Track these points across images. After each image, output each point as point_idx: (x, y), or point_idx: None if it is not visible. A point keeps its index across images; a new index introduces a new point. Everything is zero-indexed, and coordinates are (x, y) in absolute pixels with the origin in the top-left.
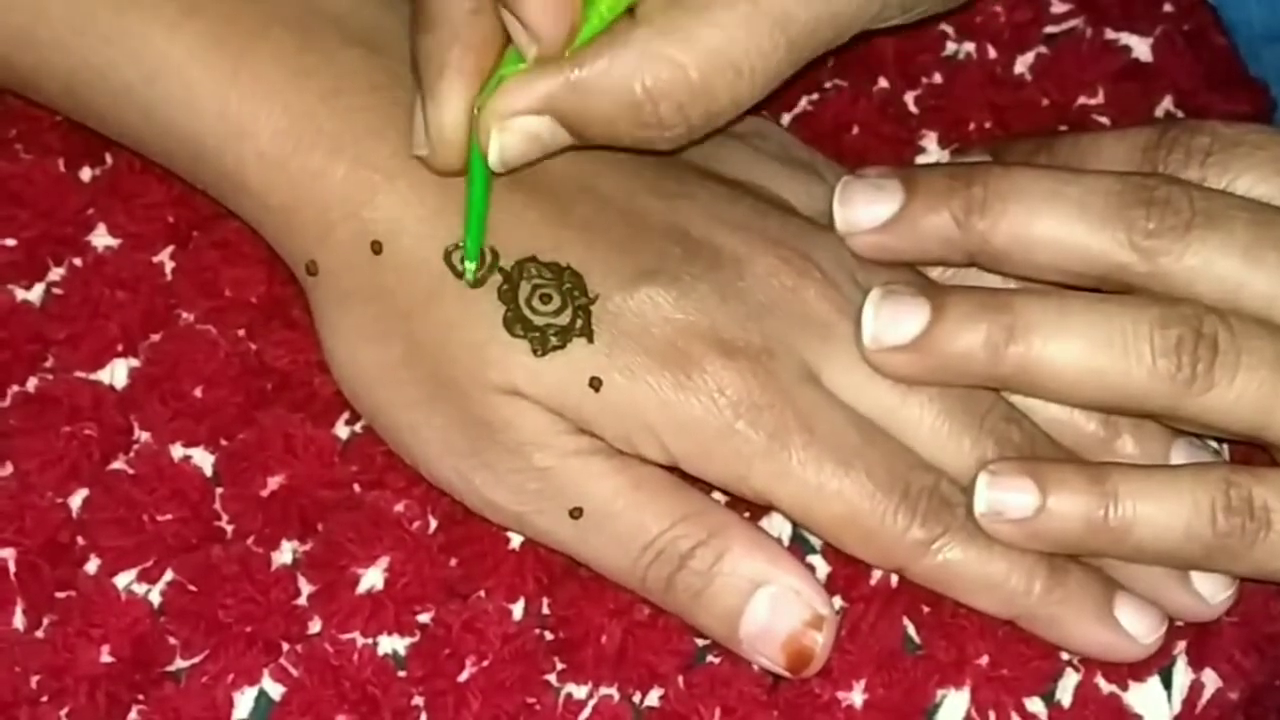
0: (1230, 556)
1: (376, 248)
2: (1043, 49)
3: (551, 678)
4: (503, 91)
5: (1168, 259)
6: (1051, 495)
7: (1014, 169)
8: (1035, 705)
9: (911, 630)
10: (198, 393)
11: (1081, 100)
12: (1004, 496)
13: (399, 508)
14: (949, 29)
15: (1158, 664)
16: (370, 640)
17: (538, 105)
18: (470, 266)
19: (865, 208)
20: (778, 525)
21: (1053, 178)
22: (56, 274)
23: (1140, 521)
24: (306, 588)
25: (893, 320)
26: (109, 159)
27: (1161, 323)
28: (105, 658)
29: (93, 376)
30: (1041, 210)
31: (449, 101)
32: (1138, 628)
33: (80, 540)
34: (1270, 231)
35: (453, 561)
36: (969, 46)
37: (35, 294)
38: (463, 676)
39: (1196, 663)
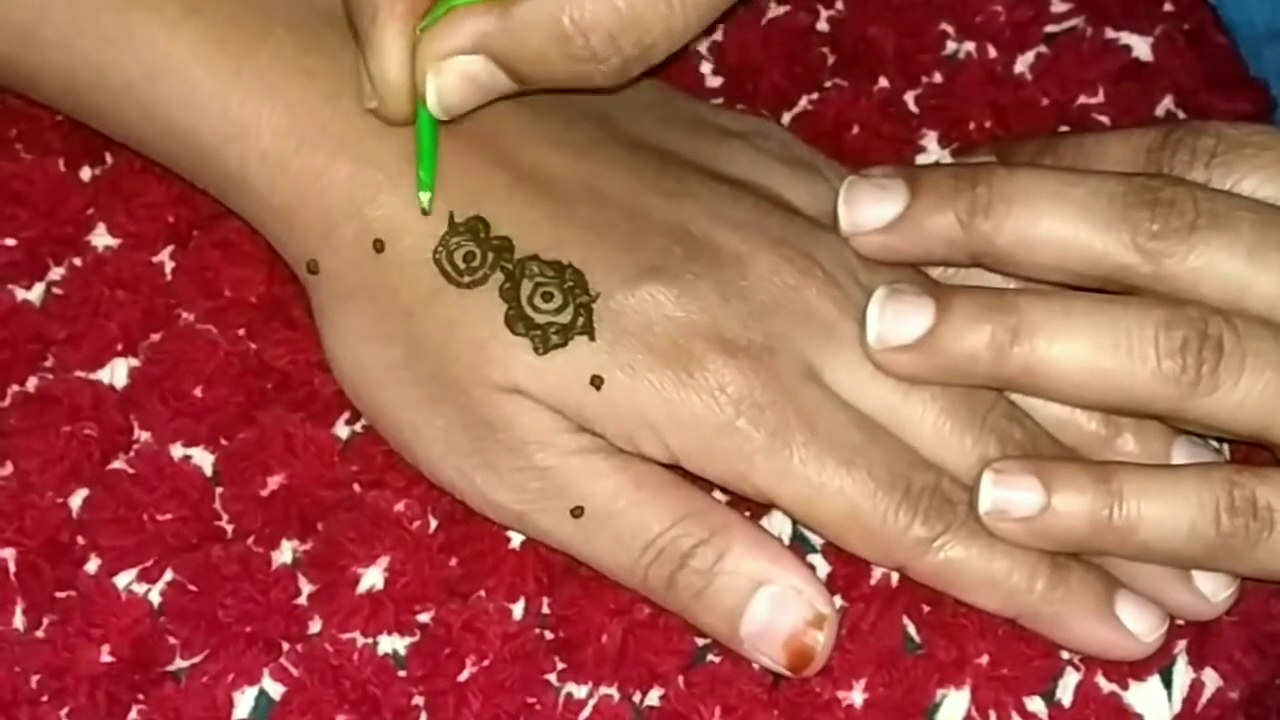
0: (1233, 556)
1: (379, 247)
2: (1043, 48)
3: (552, 677)
4: (432, 34)
5: (1172, 260)
6: (1056, 494)
7: (1018, 170)
8: (1035, 704)
9: (912, 629)
10: (198, 392)
11: (1082, 100)
12: (1009, 495)
13: (399, 507)
14: (949, 28)
15: (1158, 663)
16: (370, 640)
17: (470, 44)
18: (425, 197)
19: (870, 208)
20: (778, 524)
21: (1057, 179)
22: (57, 274)
23: (1145, 521)
24: (307, 587)
25: (898, 320)
26: (109, 159)
27: (1166, 324)
28: (105, 657)
29: (93, 376)
30: (1046, 211)
31: (387, 46)
32: (1139, 626)
33: (80, 540)
34: (1275, 233)
35: (453, 561)
36: (969, 46)
37: (35, 294)
38: (463, 676)
39: (1197, 662)
